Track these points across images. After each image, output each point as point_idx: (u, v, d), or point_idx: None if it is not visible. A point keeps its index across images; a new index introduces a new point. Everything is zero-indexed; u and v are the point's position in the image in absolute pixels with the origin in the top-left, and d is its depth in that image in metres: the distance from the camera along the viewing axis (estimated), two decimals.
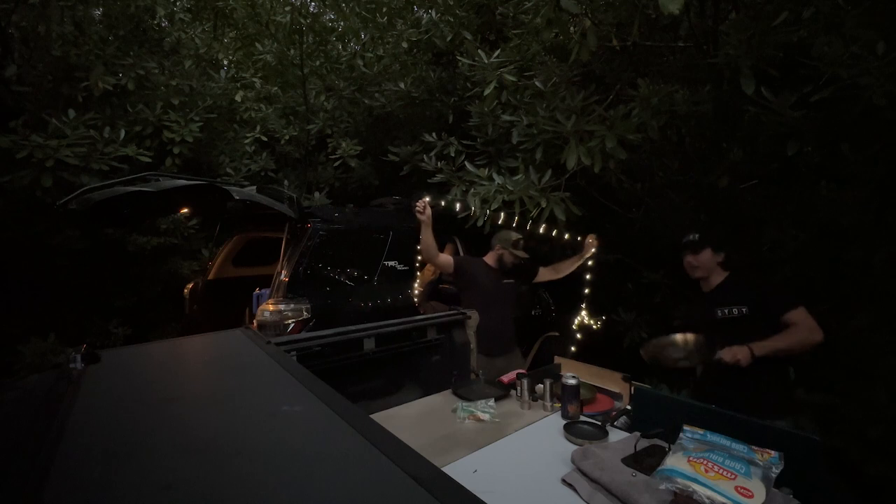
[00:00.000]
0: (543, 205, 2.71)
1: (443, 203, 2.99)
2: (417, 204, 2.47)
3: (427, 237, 2.53)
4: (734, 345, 1.79)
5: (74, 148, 3.33)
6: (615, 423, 1.56)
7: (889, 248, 2.36)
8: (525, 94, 3.14)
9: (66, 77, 3.91)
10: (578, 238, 2.94)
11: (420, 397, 1.96)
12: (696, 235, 2.07)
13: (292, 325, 2.61)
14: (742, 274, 2.07)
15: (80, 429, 0.80)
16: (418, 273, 3.35)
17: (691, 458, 1.10)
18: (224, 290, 3.91)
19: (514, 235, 2.77)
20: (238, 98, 4.99)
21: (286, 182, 4.61)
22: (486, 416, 1.64)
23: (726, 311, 1.93)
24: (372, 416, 1.52)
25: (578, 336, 3.39)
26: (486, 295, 2.67)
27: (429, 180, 3.59)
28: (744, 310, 1.89)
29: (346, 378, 2.32)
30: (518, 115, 3.05)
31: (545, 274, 2.93)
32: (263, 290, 3.11)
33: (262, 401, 0.98)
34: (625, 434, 1.47)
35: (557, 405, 1.68)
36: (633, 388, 1.64)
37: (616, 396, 1.82)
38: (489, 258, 2.83)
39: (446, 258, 2.71)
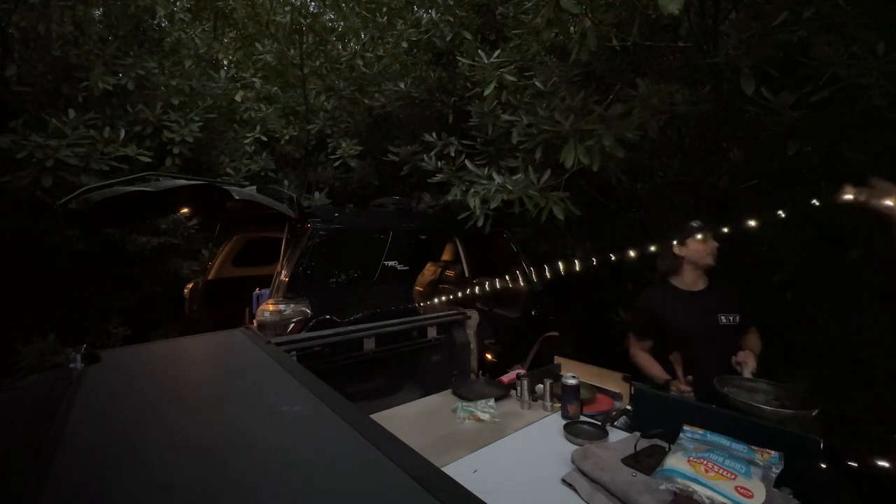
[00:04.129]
0: (542, 204, 2.71)
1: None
2: None
3: None
4: (726, 351, 1.79)
5: (74, 148, 3.32)
6: (615, 423, 1.56)
7: (889, 248, 2.36)
8: (525, 94, 3.13)
9: (66, 77, 3.91)
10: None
11: (420, 397, 1.96)
12: (700, 223, 1.97)
13: (292, 325, 2.60)
14: (723, 279, 2.03)
15: (80, 429, 0.80)
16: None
17: (691, 458, 1.10)
18: (224, 290, 3.91)
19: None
20: (238, 98, 4.99)
21: (286, 182, 4.61)
22: (486, 416, 1.64)
23: (731, 318, 1.89)
24: (372, 416, 1.52)
25: None
26: None
27: (429, 180, 3.59)
28: (737, 317, 1.90)
29: (346, 378, 2.32)
30: (518, 114, 3.04)
31: None
32: (263, 290, 3.11)
33: (262, 401, 0.98)
34: (625, 434, 1.47)
35: (557, 405, 1.68)
36: (633, 388, 1.64)
37: (616, 396, 1.82)
38: None
39: None
